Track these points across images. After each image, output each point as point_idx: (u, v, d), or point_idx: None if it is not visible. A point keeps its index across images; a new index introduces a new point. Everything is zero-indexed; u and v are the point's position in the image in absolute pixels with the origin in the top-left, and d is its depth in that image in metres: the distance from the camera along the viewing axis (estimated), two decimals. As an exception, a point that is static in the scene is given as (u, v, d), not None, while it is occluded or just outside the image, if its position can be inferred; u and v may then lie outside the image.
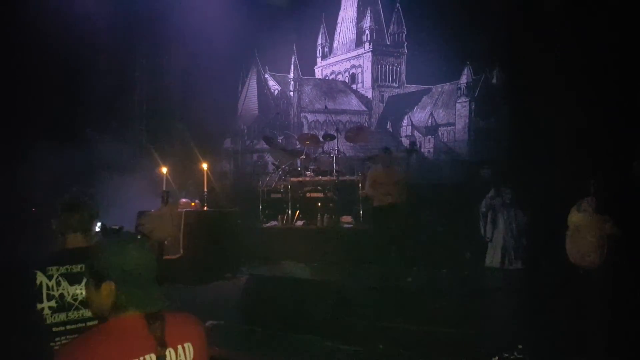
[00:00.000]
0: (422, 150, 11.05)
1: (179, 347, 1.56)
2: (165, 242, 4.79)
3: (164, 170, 5.35)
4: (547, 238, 3.70)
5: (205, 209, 6.09)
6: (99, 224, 2.23)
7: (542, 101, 6.94)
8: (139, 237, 1.75)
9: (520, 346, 3.20)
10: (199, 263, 5.45)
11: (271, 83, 14.32)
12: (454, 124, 10.49)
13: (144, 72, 8.54)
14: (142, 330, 1.52)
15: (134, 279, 1.59)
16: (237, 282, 5.36)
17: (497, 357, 3.16)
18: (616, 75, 6.01)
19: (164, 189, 4.49)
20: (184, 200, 6.15)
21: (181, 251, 5.37)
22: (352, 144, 10.05)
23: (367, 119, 13.17)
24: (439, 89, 11.08)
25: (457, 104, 10.46)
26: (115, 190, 5.44)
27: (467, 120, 10.16)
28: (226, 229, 6.15)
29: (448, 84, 10.72)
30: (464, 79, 10.28)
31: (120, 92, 8.13)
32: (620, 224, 3.16)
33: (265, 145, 10.32)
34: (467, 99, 10.16)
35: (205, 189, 6.05)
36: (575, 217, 3.28)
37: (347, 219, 8.06)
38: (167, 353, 1.52)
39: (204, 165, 6.11)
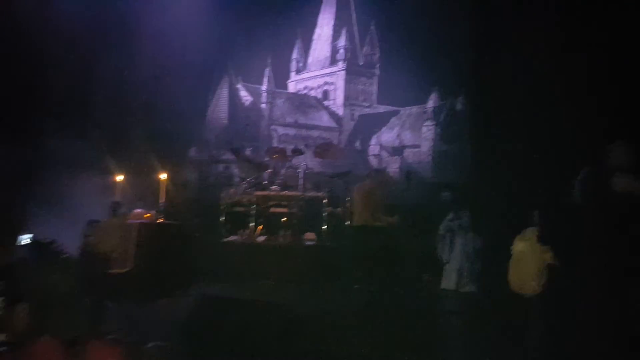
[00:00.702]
0: (388, 170, 11.20)
1: None
2: (114, 255, 4.63)
3: (119, 178, 5.20)
4: (500, 262, 3.79)
5: (160, 220, 5.94)
6: (29, 236, 2.13)
7: (503, 130, 7.14)
8: (63, 256, 1.69)
9: None
10: (149, 278, 5.27)
11: (243, 93, 14.29)
12: (419, 146, 10.71)
13: (108, 75, 8.32)
14: (58, 357, 1.45)
15: (51, 302, 1.52)
16: (187, 301, 5.21)
17: None
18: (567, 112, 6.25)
19: (116, 199, 4.36)
20: (138, 210, 5.98)
21: (130, 265, 5.21)
22: (320, 160, 10.08)
23: (337, 136, 13.27)
24: (407, 111, 11.31)
25: (423, 127, 10.70)
26: (68, 196, 5.26)
27: (432, 144, 10.39)
28: (182, 243, 5.99)
29: (416, 107, 10.97)
30: (430, 103, 10.54)
31: (81, 95, 7.91)
32: (559, 254, 3.30)
33: (232, 156, 10.22)
34: (433, 123, 10.40)
35: (163, 200, 5.91)
36: (518, 246, 3.40)
37: (310, 236, 8.01)
38: None
39: (162, 175, 5.97)
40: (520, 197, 5.67)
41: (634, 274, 3.98)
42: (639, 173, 4.13)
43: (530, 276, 3.36)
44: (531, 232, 3.39)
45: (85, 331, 1.53)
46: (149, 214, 6.03)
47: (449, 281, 6.87)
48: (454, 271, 6.84)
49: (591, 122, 5.66)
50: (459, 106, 9.99)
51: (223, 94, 13.86)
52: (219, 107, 13.62)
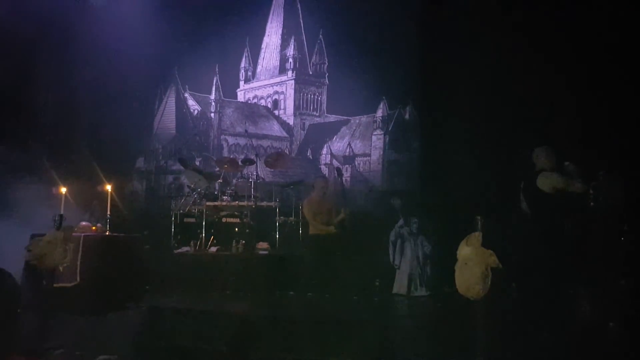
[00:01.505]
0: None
1: None
2: (60, 269, 4.42)
3: (63, 190, 4.98)
4: (449, 266, 3.94)
5: (107, 233, 5.73)
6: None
7: (449, 138, 7.46)
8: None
9: None
10: (97, 292, 5.07)
11: (191, 102, 14.03)
12: (369, 155, 10.96)
13: (50, 85, 7.94)
14: None
15: None
16: (137, 313, 5.05)
17: None
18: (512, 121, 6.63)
19: (60, 211, 4.17)
20: (83, 223, 5.73)
21: (77, 279, 5.00)
22: (271, 170, 10.06)
23: (288, 145, 13.30)
24: (357, 121, 11.54)
25: (372, 136, 10.96)
26: (9, 210, 4.98)
27: (382, 152, 10.66)
28: (131, 255, 5.79)
29: (365, 116, 11.22)
30: (379, 113, 10.82)
31: (21, 103, 7.50)
32: (502, 258, 3.48)
33: (181, 167, 9.99)
34: (382, 132, 10.68)
35: (109, 212, 5.70)
36: (463, 251, 3.53)
37: (263, 245, 7.97)
38: None
39: (108, 187, 5.76)
40: (466, 202, 5.93)
41: (568, 269, 4.28)
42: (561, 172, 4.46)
43: (475, 279, 3.49)
44: (475, 237, 3.54)
45: (31, 346, 1.49)
46: (95, 227, 5.80)
47: (400, 286, 7.03)
48: (405, 276, 7.00)
49: (530, 130, 6.05)
50: (407, 115, 10.32)
51: (170, 103, 13.55)
52: (166, 117, 13.29)
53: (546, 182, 4.47)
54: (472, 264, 3.45)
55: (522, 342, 4.03)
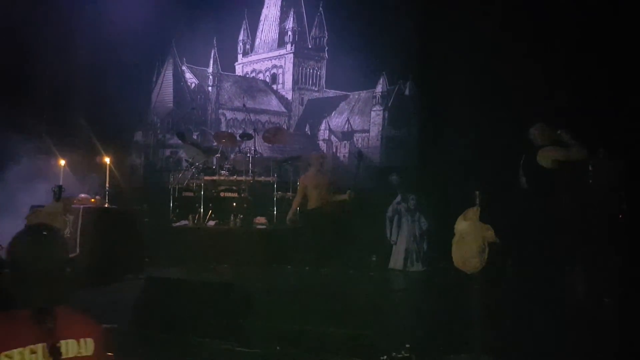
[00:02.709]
0: (338, 154, 11.33)
1: (77, 340, 1.56)
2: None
3: (62, 162, 4.97)
4: (445, 242, 3.99)
5: (106, 205, 5.75)
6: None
7: (449, 115, 7.43)
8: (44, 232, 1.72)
9: (407, 345, 3.43)
10: (97, 263, 5.13)
11: (188, 76, 13.83)
12: (368, 131, 10.88)
13: (48, 58, 7.82)
14: (31, 322, 1.49)
15: (28, 272, 1.55)
16: (137, 285, 5.12)
17: (385, 357, 3.35)
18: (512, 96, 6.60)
19: (59, 183, 4.17)
20: (82, 195, 5.75)
21: (77, 250, 5.04)
22: (269, 145, 10.03)
23: (286, 121, 13.20)
24: (356, 96, 11.42)
25: (372, 112, 10.86)
26: (9, 182, 4.96)
27: (381, 129, 10.59)
28: (129, 228, 5.84)
29: (365, 91, 11.09)
30: (379, 88, 10.71)
31: (19, 78, 7.40)
32: (499, 232, 3.53)
33: (179, 141, 9.97)
34: (381, 108, 10.59)
35: (107, 185, 5.71)
36: (461, 225, 3.58)
37: (261, 220, 8.02)
38: (63, 344, 1.51)
39: (106, 160, 5.76)
40: (464, 178, 5.96)
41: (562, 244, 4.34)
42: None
43: (472, 253, 3.54)
44: (473, 212, 3.57)
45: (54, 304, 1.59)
46: (94, 199, 5.82)
47: (396, 261, 7.13)
48: (401, 252, 7.10)
49: (532, 111, 6.03)
50: (406, 91, 10.23)
51: (168, 76, 13.36)
52: (164, 90, 13.12)
53: (546, 156, 4.50)
54: (470, 239, 3.50)
55: (517, 318, 4.12)
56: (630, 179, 4.81)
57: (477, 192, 3.62)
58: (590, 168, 4.72)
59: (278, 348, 3.78)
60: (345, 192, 6.22)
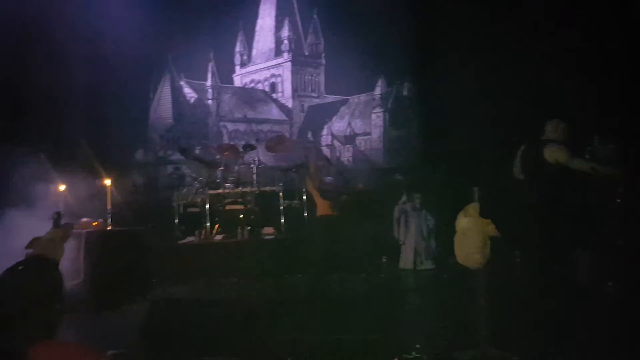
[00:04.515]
0: (342, 159, 11.27)
1: None
2: (63, 267, 4.36)
3: (62, 188, 4.91)
4: (452, 239, 3.95)
5: (109, 228, 5.67)
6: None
7: (448, 112, 7.36)
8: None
9: (417, 346, 3.36)
10: (103, 287, 5.05)
11: (187, 90, 13.83)
12: (370, 134, 10.83)
13: (44, 78, 7.78)
14: None
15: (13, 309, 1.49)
16: (145, 306, 5.04)
17: (396, 358, 3.29)
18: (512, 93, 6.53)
19: (58, 209, 4.09)
20: (84, 219, 5.68)
21: (81, 276, 4.95)
22: (273, 154, 9.96)
23: (288, 129, 13.15)
24: (356, 100, 11.40)
25: (372, 114, 10.83)
26: (11, 216, 4.91)
27: (382, 130, 10.55)
28: (134, 249, 5.75)
29: (364, 94, 11.07)
30: (378, 91, 10.68)
31: (16, 100, 7.37)
32: (500, 226, 3.48)
33: (181, 157, 9.91)
34: (382, 110, 10.55)
35: (109, 206, 5.64)
36: (462, 222, 3.54)
37: (268, 230, 7.92)
38: None
39: (107, 181, 5.69)
40: (466, 174, 5.88)
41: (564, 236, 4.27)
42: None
43: (474, 249, 3.52)
44: (473, 208, 3.52)
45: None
46: (96, 222, 5.75)
47: (406, 261, 7.05)
48: (410, 251, 7.03)
49: (529, 106, 5.97)
50: (405, 92, 10.17)
51: (165, 91, 13.38)
52: (162, 106, 13.14)
53: (552, 155, 4.43)
54: (471, 234, 3.48)
55: (526, 308, 4.06)
56: (625, 162, 4.77)
57: (476, 188, 3.57)
58: (587, 156, 4.70)
59: (289, 359, 3.69)
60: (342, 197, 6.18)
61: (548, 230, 4.29)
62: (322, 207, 6.24)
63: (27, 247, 3.65)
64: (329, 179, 6.61)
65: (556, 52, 6.36)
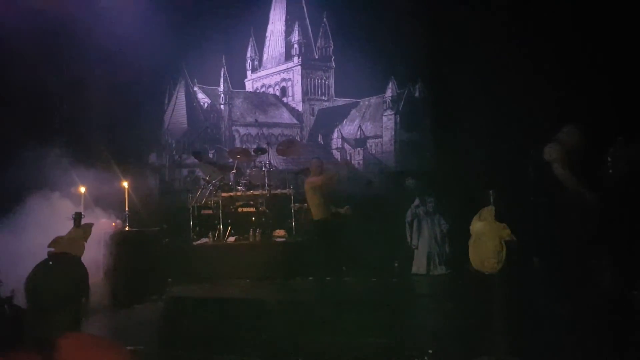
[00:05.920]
0: (353, 162, 11.33)
1: None
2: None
3: (82, 189, 5.08)
4: (466, 243, 3.93)
5: (127, 229, 5.84)
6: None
7: (460, 114, 7.37)
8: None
9: (430, 351, 3.35)
10: (122, 286, 5.21)
11: (200, 96, 14.07)
12: (381, 137, 10.87)
13: (63, 86, 8.01)
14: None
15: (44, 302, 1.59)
16: (161, 305, 5.17)
17: None
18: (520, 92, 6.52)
19: (79, 210, 4.26)
20: (103, 220, 5.86)
21: (101, 274, 5.12)
22: (284, 158, 10.09)
23: (298, 132, 13.28)
24: (367, 103, 11.45)
25: (383, 117, 10.86)
26: (36, 215, 5.08)
27: (393, 133, 10.58)
28: (151, 250, 5.91)
29: (375, 97, 11.11)
30: (389, 93, 10.71)
31: (39, 108, 7.60)
32: (515, 230, 3.45)
33: (195, 160, 10.09)
34: (393, 112, 10.58)
35: (127, 208, 5.81)
36: (476, 226, 3.49)
37: (280, 232, 8.02)
38: None
39: (125, 184, 5.86)
40: (480, 177, 5.88)
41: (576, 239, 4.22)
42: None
43: (489, 253, 3.45)
44: (487, 211, 3.50)
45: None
46: (114, 224, 5.92)
47: (419, 266, 6.98)
48: (423, 256, 6.93)
49: (542, 108, 5.95)
50: (416, 93, 10.19)
51: (180, 97, 13.62)
52: (177, 112, 13.37)
53: (546, 152, 4.41)
54: (486, 238, 3.42)
55: (543, 315, 4.02)
56: None
57: (491, 192, 3.54)
58: (609, 159, 4.61)
59: (299, 360, 3.76)
60: (343, 206, 6.12)
61: (569, 236, 4.24)
62: (314, 208, 6.17)
63: (50, 245, 3.82)
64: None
65: (572, 52, 6.29)
